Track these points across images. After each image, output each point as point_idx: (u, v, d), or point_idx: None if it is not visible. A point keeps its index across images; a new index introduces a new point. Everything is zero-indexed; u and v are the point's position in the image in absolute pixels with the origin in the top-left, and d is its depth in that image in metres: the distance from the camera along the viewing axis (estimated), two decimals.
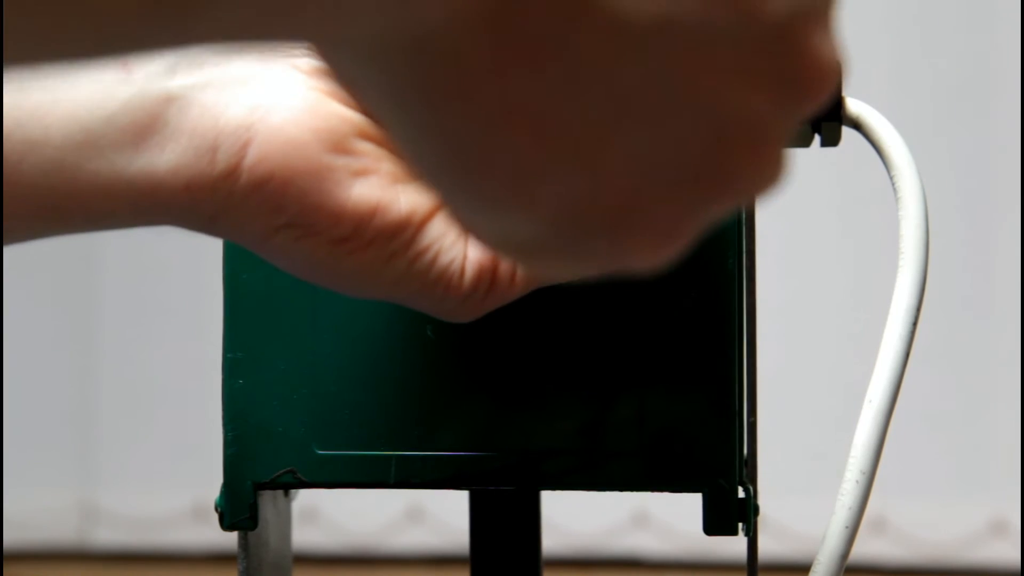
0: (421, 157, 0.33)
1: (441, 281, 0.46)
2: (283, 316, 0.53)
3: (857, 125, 0.54)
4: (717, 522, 0.52)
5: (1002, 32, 1.72)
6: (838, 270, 1.75)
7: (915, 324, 0.53)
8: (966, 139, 1.74)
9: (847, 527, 0.52)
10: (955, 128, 1.73)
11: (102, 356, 1.88)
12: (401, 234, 0.45)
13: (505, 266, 0.46)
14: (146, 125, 0.43)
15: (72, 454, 1.89)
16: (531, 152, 0.31)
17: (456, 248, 0.46)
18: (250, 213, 0.44)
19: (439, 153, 0.32)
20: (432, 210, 0.46)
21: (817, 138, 0.55)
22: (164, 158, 0.43)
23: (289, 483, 0.53)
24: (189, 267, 1.80)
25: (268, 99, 0.44)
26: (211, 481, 0.56)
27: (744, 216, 0.53)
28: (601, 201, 0.32)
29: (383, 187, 0.45)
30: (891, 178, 0.54)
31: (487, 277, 0.46)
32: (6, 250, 0.46)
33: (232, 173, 0.43)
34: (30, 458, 1.87)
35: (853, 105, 0.54)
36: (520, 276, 0.46)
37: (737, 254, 0.52)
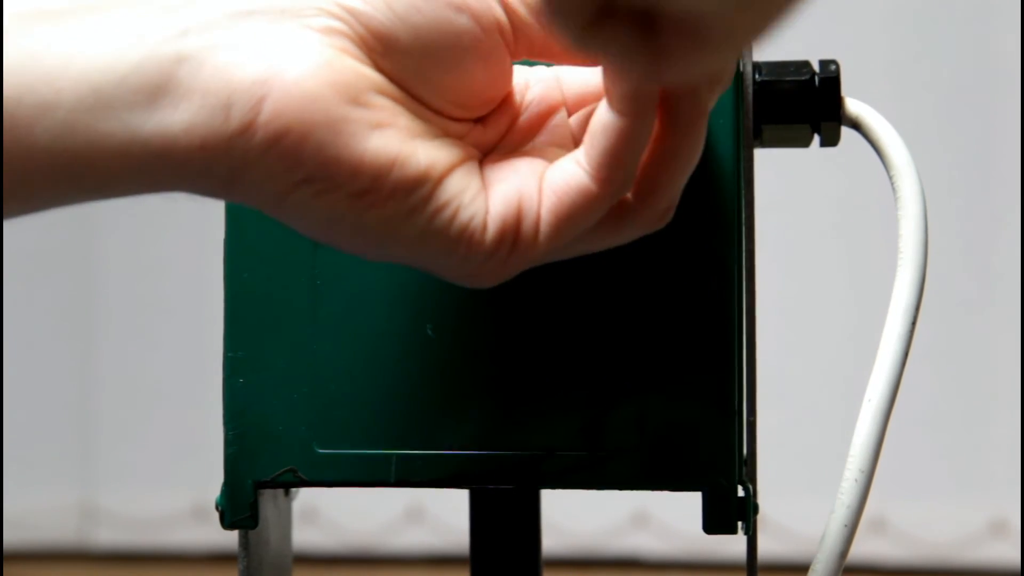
0: None
1: (463, 238, 0.45)
2: (283, 316, 0.53)
3: (857, 125, 0.54)
4: (717, 521, 0.52)
5: (1002, 32, 1.72)
6: (838, 270, 1.75)
7: (914, 323, 0.53)
8: (966, 139, 1.73)
9: (846, 526, 0.52)
10: (955, 128, 1.73)
11: (102, 356, 1.88)
12: (420, 188, 0.45)
13: (529, 223, 0.46)
14: (158, 85, 0.43)
15: (72, 454, 1.89)
16: None
17: (477, 203, 0.45)
18: (267, 171, 0.44)
19: None
20: (451, 165, 0.46)
21: (817, 138, 0.55)
22: (178, 117, 0.43)
23: (290, 482, 0.53)
24: (189, 266, 1.80)
25: (282, 57, 0.44)
26: (211, 481, 0.56)
27: (744, 216, 0.53)
28: None
29: (401, 140, 0.45)
30: (891, 178, 0.54)
31: (510, 234, 0.46)
32: (6, 250, 0.46)
33: (247, 130, 0.43)
34: (30, 458, 1.87)
35: (853, 105, 0.54)
36: (544, 234, 0.46)
37: (737, 254, 0.52)
